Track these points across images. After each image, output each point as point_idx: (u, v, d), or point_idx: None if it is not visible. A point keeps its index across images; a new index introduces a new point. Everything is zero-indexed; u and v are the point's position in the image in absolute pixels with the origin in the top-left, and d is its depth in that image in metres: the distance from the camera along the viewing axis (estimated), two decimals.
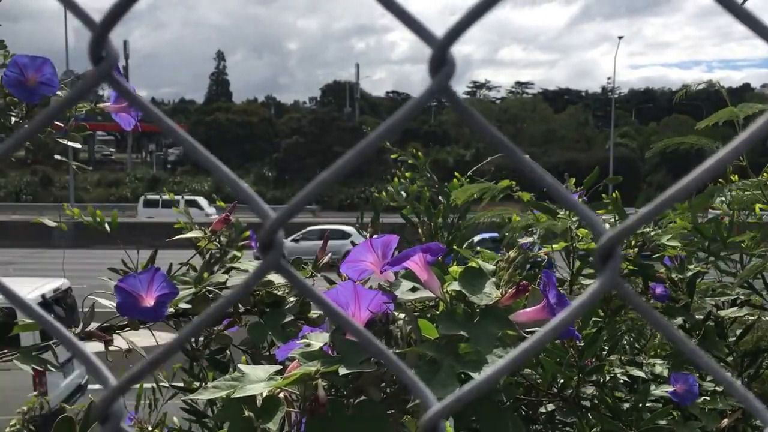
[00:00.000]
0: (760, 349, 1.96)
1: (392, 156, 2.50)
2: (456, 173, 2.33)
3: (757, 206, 2.22)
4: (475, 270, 0.84)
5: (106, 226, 1.58)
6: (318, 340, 0.82)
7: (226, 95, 70.50)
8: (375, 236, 0.93)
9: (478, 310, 0.81)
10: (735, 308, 2.04)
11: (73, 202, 33.47)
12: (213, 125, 54.77)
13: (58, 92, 1.31)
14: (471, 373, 0.70)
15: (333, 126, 50.46)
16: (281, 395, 0.79)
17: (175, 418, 1.95)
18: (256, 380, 0.78)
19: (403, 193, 2.28)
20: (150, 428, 2.01)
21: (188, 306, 1.17)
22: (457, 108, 0.35)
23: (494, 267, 0.87)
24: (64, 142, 1.35)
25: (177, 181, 46.12)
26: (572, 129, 58.81)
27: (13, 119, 1.31)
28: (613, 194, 2.15)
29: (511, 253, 0.87)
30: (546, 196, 2.19)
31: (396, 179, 2.45)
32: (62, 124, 1.36)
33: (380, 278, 0.91)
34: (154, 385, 2.11)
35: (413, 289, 0.85)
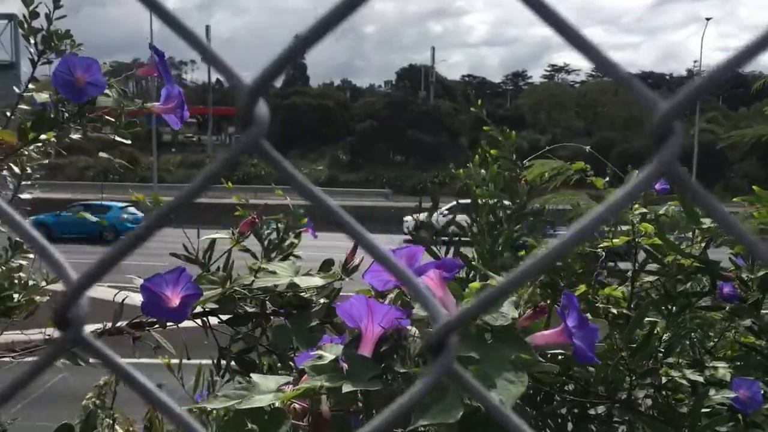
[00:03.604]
0: None
1: (484, 128, 2.37)
2: (493, 166, 2.24)
3: None
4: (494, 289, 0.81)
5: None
6: (331, 352, 0.81)
7: (303, 79, 71.31)
8: (399, 247, 0.92)
9: (492, 330, 0.78)
10: None
11: (156, 182, 34.76)
12: (290, 109, 55.58)
13: (107, 91, 1.34)
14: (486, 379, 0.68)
15: (407, 110, 50.40)
16: (292, 407, 0.79)
17: None
18: (266, 391, 0.78)
19: (482, 171, 2.19)
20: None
21: (215, 306, 1.19)
22: (270, 161, 0.31)
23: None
24: (114, 137, 1.39)
25: (254, 163, 47.11)
26: None
27: (65, 115, 1.36)
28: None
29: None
30: (618, 183, 2.11)
31: (477, 157, 2.35)
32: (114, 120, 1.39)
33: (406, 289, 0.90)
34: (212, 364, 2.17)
35: None
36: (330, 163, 46.82)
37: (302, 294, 1.19)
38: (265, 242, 1.78)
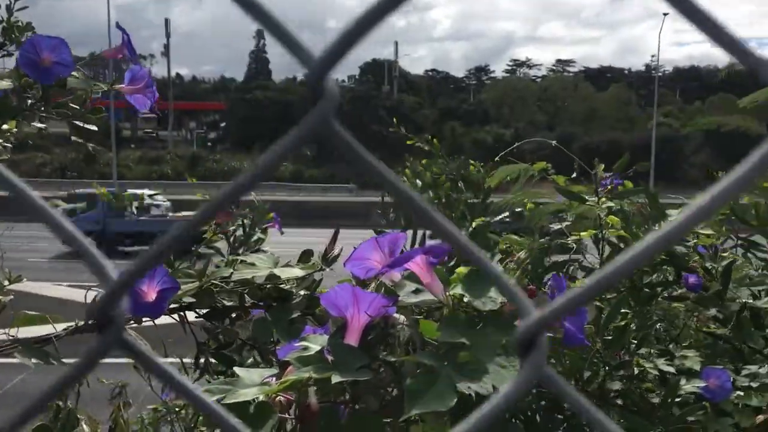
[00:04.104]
0: None
1: (407, 142, 2.47)
2: (471, 162, 2.28)
3: None
4: (480, 273, 0.80)
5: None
6: (317, 342, 0.78)
7: (266, 73, 70.73)
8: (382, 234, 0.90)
9: (481, 315, 0.77)
10: None
11: (116, 178, 34.11)
12: (252, 103, 55.12)
13: (74, 73, 1.30)
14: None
15: (371, 104, 50.43)
16: (278, 400, 0.77)
17: None
18: (250, 384, 0.76)
19: (418, 181, 2.26)
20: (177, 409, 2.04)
21: (192, 300, 1.16)
22: (342, 145, 0.28)
23: (502, 269, 0.83)
24: (81, 124, 1.34)
25: (217, 159, 46.66)
26: (614, 108, 57.68)
27: (29, 101, 1.31)
28: (649, 186, 2.09)
29: (521, 255, 0.83)
30: (579, 180, 2.13)
31: (407, 169, 2.43)
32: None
33: (386, 278, 0.88)
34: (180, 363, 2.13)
35: (416, 292, 0.82)
36: (294, 158, 46.55)
37: (282, 286, 1.17)
38: (231, 238, 1.74)
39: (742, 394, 1.61)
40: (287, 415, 0.77)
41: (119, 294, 0.32)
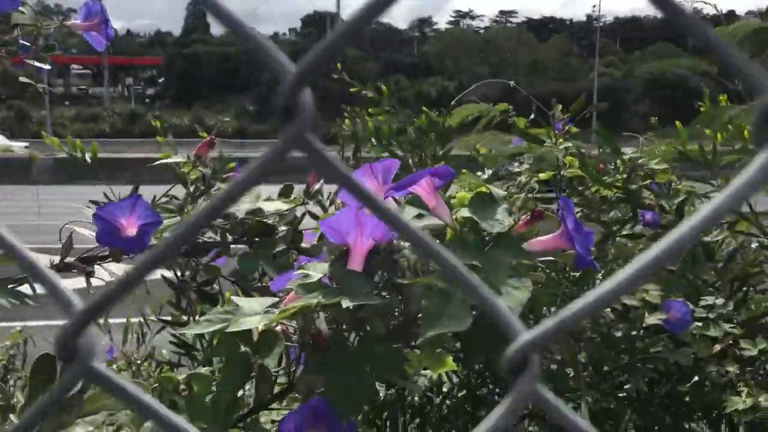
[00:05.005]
0: (747, 273, 1.96)
1: (351, 90, 2.41)
2: (424, 108, 2.27)
3: (745, 131, 2.18)
4: (486, 195, 0.79)
5: (87, 157, 1.51)
6: (317, 270, 0.76)
7: (204, 27, 68.66)
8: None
9: (489, 238, 0.76)
10: (717, 231, 2.05)
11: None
12: (191, 58, 53.57)
13: (21, 8, 1.21)
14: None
15: None
16: (278, 329, 0.76)
17: (164, 351, 1.93)
18: (251, 313, 0.74)
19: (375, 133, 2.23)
20: (138, 362, 2.00)
21: None
22: (316, 159, 0.28)
23: (505, 192, 0.82)
24: (32, 63, 1.26)
25: (157, 116, 45.37)
26: (557, 59, 58.19)
27: None
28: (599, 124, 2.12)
29: (523, 178, 0.82)
30: (536, 124, 2.14)
31: (346, 119, 2.38)
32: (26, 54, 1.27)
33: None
34: (141, 319, 2.09)
35: (419, 216, 0.80)
36: (237, 114, 45.63)
37: (265, 220, 1.14)
38: (191, 188, 1.69)
39: (700, 325, 1.67)
40: (294, 344, 0.75)
41: (83, 325, 0.30)
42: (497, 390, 1.83)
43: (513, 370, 0.28)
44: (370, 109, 2.45)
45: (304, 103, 0.26)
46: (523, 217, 0.78)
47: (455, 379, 1.89)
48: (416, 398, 1.86)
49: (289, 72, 0.26)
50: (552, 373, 1.67)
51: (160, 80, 59.15)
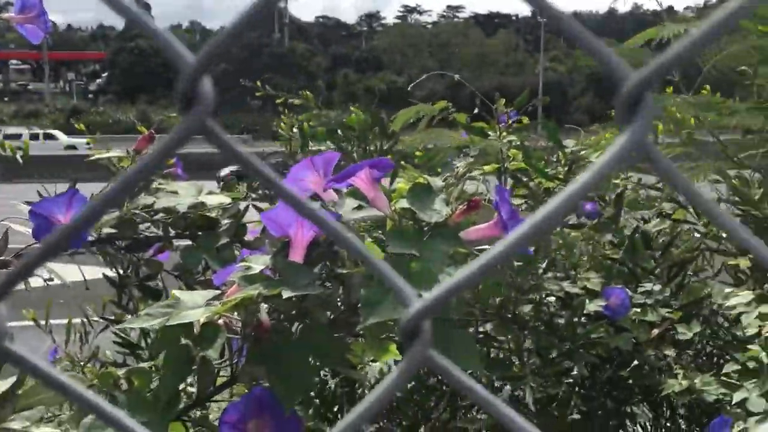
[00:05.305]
0: (684, 260, 2.03)
1: (276, 101, 2.42)
2: (353, 108, 2.28)
3: (685, 122, 2.26)
4: (424, 186, 0.81)
5: (18, 157, 1.48)
6: (258, 262, 0.77)
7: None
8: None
9: (427, 228, 0.78)
10: (658, 220, 2.11)
11: None
12: (135, 52, 52.41)
13: None
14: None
15: (262, 52, 49.19)
16: (220, 321, 0.76)
17: (107, 352, 1.90)
18: (193, 306, 0.74)
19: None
20: (82, 363, 1.96)
21: (114, 231, 1.11)
22: (218, 143, 0.29)
23: (443, 183, 0.84)
24: None
25: (100, 111, 44.33)
26: (503, 53, 58.92)
27: None
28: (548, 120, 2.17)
29: (461, 169, 0.84)
30: (478, 117, 2.18)
31: (283, 125, 2.38)
32: None
33: (323, 198, 0.87)
34: (84, 318, 2.04)
35: (359, 208, 0.82)
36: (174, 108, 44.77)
37: (208, 214, 1.13)
38: None
39: (638, 311, 1.72)
40: (236, 336, 0.75)
41: None
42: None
43: (407, 337, 0.30)
44: (300, 117, 2.45)
45: (204, 92, 0.28)
46: (460, 207, 0.80)
47: None
48: (367, 391, 1.87)
49: (188, 62, 0.28)
50: (498, 361, 1.70)
51: (103, 75, 57.74)
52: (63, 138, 29.72)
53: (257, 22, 0.28)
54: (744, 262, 1.84)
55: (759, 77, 2.15)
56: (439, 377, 1.94)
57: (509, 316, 1.60)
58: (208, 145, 0.30)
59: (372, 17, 79.20)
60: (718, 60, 2.34)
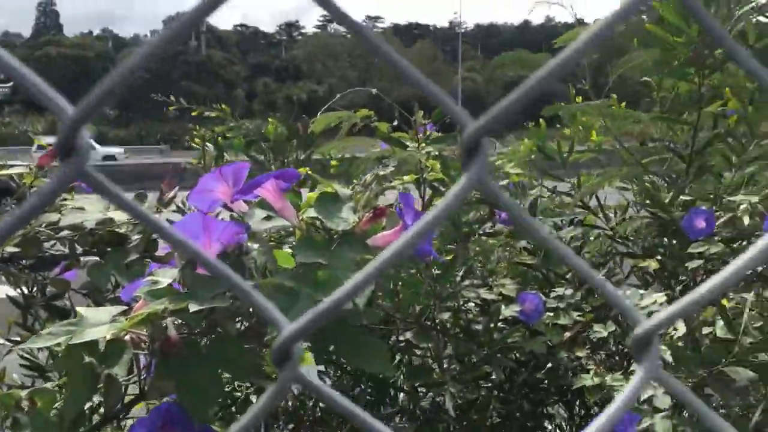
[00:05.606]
0: (594, 264, 2.11)
1: (192, 113, 2.39)
2: (270, 119, 2.28)
3: (594, 131, 2.34)
4: (331, 195, 0.81)
5: None
6: (166, 276, 0.75)
7: (57, 28, 64.73)
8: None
9: (335, 236, 0.79)
10: (572, 228, 2.19)
11: None
12: (44, 61, 50.38)
13: None
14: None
15: (179, 60, 48.16)
16: (127, 338, 0.74)
17: (14, 375, 1.81)
18: (98, 323, 0.72)
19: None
20: None
21: (16, 249, 1.06)
22: (98, 188, 0.31)
23: (351, 191, 0.85)
24: None
25: (6, 122, 42.33)
26: (422, 63, 59.75)
27: None
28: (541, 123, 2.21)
29: (368, 177, 0.85)
30: (399, 128, 2.20)
31: (196, 138, 2.36)
32: None
33: (233, 208, 0.87)
34: None
35: (268, 218, 0.82)
36: (96, 119, 43.30)
37: (117, 230, 1.09)
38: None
39: (552, 315, 1.77)
40: (143, 351, 0.74)
41: None
42: (369, 389, 1.87)
43: (279, 360, 0.32)
44: (216, 129, 2.42)
45: (81, 144, 0.29)
46: (367, 214, 0.81)
47: (327, 381, 1.90)
48: (290, 402, 1.86)
49: (68, 114, 0.29)
50: (419, 368, 1.72)
51: (8, 84, 55.17)
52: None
53: (135, 73, 0.29)
54: (653, 264, 1.92)
55: (663, 90, 2.26)
56: (362, 386, 1.94)
57: (429, 323, 1.62)
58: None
59: (291, 26, 78.90)
60: (625, 70, 2.43)
